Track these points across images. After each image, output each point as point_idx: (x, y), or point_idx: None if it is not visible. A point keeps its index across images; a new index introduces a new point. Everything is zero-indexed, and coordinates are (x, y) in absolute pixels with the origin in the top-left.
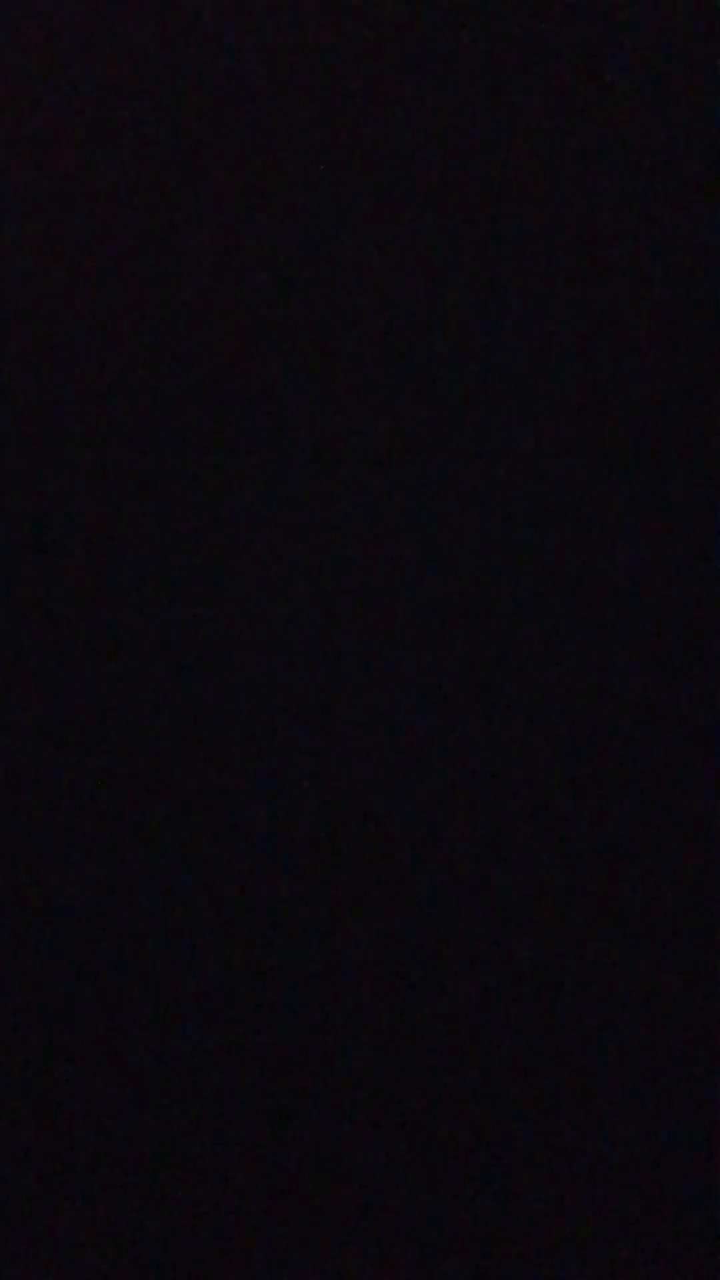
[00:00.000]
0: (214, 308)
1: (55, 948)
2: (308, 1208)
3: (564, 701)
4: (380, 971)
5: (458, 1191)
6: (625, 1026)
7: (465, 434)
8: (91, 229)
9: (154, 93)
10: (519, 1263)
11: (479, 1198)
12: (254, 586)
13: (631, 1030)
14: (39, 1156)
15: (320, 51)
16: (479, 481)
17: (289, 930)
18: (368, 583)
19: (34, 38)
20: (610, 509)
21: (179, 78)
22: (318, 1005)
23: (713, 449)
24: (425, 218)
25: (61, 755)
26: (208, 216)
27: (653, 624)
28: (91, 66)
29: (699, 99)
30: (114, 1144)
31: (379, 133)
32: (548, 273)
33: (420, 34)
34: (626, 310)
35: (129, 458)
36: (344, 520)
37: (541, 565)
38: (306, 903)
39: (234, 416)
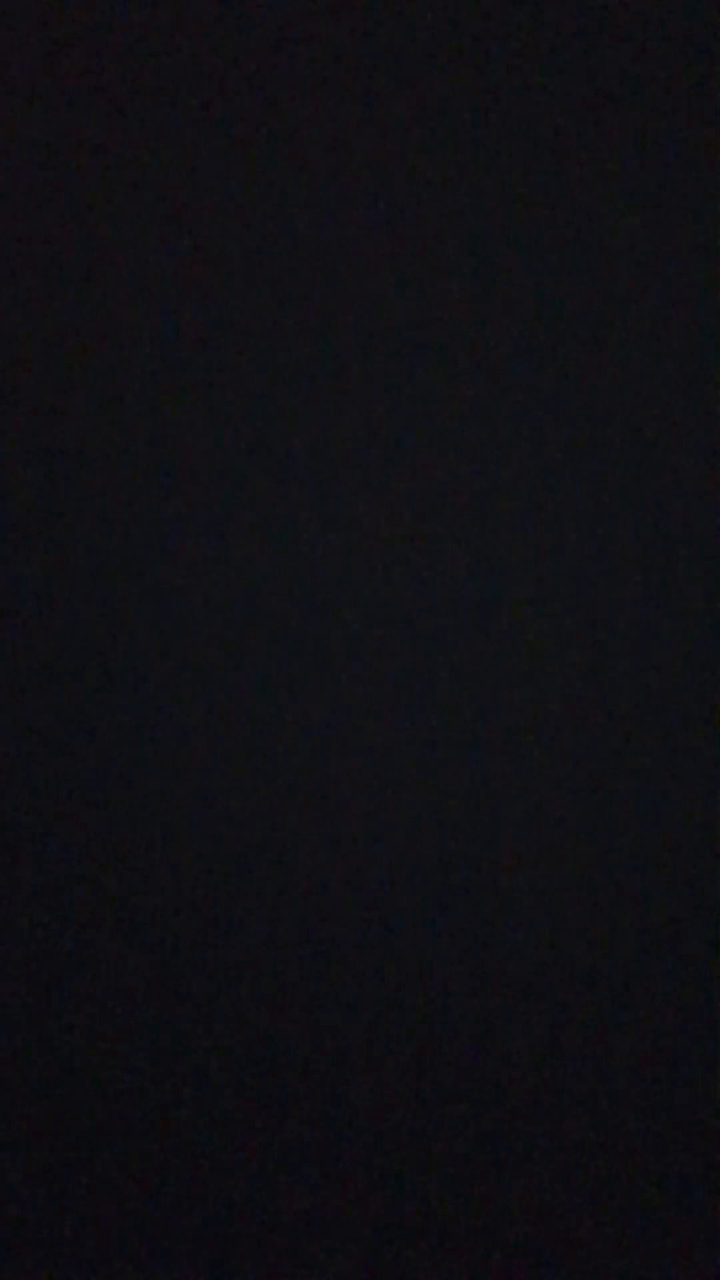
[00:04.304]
0: (213, 313)
1: (56, 954)
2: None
3: (565, 698)
4: (380, 980)
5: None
6: (627, 1038)
7: (465, 435)
8: (92, 228)
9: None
10: (519, 1264)
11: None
12: (254, 592)
13: (633, 1040)
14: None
15: (320, 51)
16: (479, 483)
17: (289, 938)
18: (369, 588)
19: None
20: (610, 507)
21: (178, 83)
22: (319, 1012)
23: (713, 450)
24: (425, 216)
25: (58, 768)
26: (209, 215)
27: (654, 628)
28: (90, 70)
29: (700, 98)
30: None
31: (378, 126)
32: (548, 271)
33: (419, 32)
34: (627, 309)
35: (129, 457)
36: (343, 528)
37: (541, 570)
38: (306, 913)
39: (234, 420)
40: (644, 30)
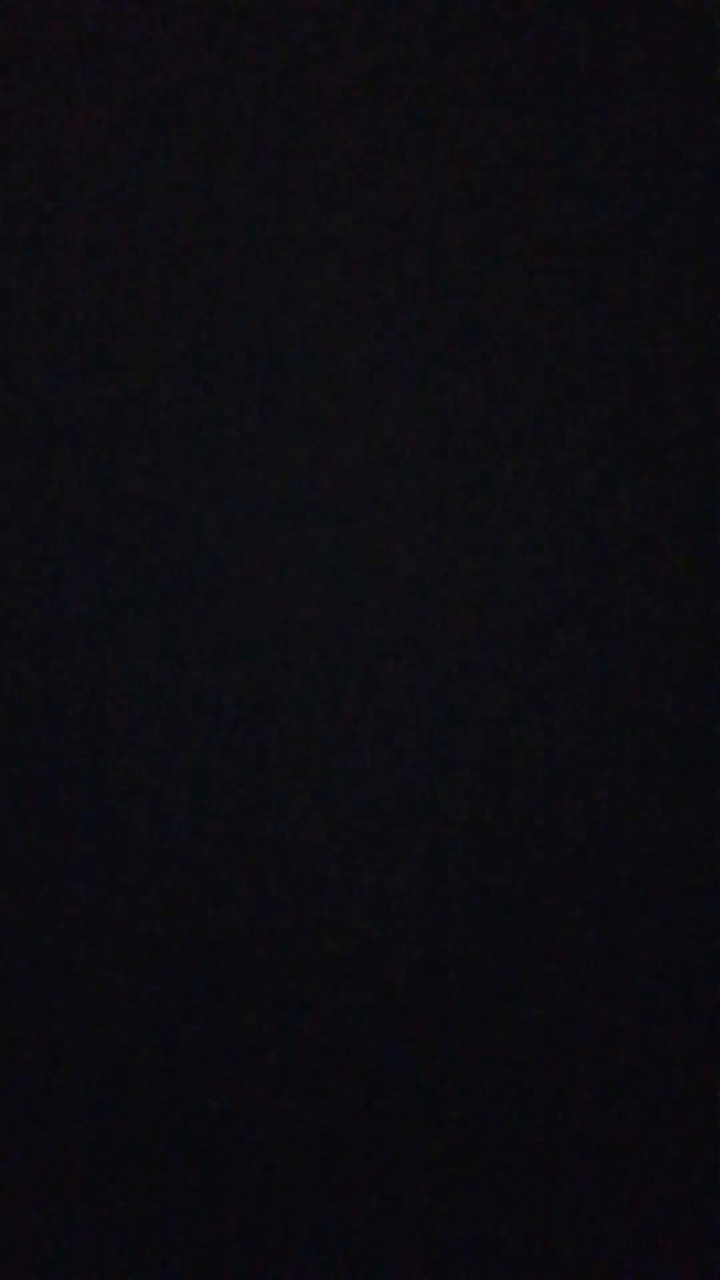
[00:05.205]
0: (213, 318)
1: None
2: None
3: (564, 693)
4: (379, 977)
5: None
6: (626, 1042)
7: (465, 438)
8: (92, 227)
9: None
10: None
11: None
12: (251, 592)
13: (632, 1044)
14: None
15: (319, 50)
16: (479, 485)
17: (288, 932)
18: (367, 591)
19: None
20: (610, 508)
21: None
22: (316, 1009)
23: (713, 450)
24: (426, 206)
25: (56, 767)
26: (209, 220)
27: (654, 625)
28: (93, 75)
29: (699, 101)
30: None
31: (377, 126)
32: (548, 272)
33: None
34: (627, 311)
35: (127, 453)
36: (342, 530)
37: (539, 569)
38: (304, 906)
39: (234, 420)
40: (644, 31)
